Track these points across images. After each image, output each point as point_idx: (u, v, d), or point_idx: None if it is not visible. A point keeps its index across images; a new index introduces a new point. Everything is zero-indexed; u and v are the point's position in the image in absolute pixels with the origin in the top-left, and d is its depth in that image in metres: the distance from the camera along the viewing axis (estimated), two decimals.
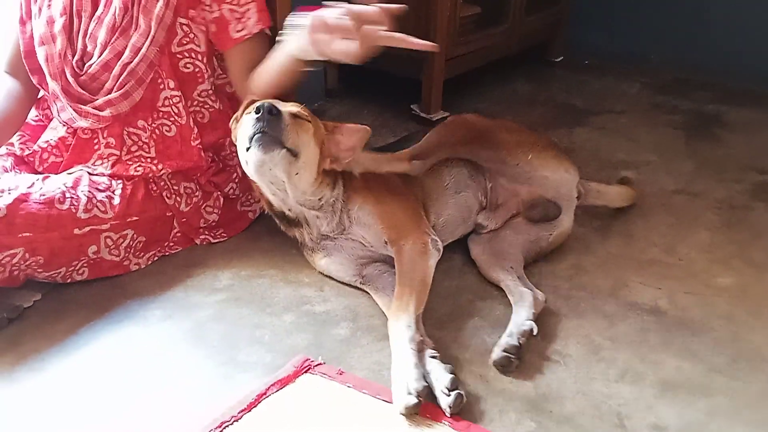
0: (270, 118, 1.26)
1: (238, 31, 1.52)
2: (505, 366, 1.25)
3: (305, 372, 1.24)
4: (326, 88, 2.61)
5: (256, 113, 1.27)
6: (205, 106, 1.61)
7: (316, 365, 1.25)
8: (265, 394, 1.18)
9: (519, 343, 1.27)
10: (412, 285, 1.34)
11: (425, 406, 1.15)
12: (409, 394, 1.13)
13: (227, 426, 1.12)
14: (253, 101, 1.37)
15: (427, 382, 1.17)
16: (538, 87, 2.82)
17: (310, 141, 1.36)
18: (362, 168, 1.45)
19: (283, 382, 1.21)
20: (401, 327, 1.26)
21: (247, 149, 1.31)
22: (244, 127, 1.32)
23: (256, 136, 1.27)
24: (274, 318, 1.41)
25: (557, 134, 2.33)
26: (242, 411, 1.14)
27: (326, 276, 1.54)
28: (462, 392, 1.15)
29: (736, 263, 1.62)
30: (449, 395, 1.14)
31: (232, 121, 1.46)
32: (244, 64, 1.54)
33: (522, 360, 1.27)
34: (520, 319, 1.34)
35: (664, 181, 2.00)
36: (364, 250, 1.49)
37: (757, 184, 2.00)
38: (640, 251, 1.67)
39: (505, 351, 1.25)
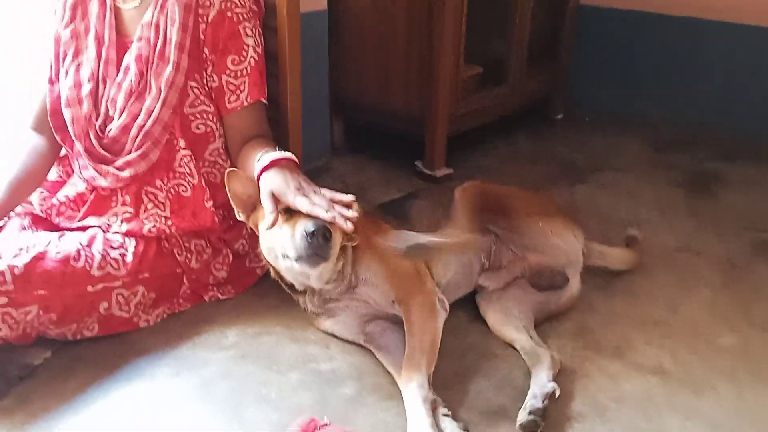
0: (323, 241, 1.28)
1: (231, 102, 1.59)
2: (532, 429, 1.26)
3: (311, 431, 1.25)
4: (332, 144, 2.68)
5: (309, 236, 1.27)
6: (216, 166, 1.66)
7: (322, 425, 1.26)
8: None
9: (543, 405, 1.28)
10: (422, 345, 1.36)
11: None
12: None
13: None
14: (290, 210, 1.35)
15: None
16: (539, 144, 2.88)
17: (339, 238, 1.37)
18: (419, 260, 1.48)
19: None
20: (414, 387, 1.28)
21: (285, 257, 1.33)
22: (287, 239, 1.32)
23: (306, 257, 1.29)
24: (280, 376, 1.43)
25: (558, 191, 2.38)
26: None
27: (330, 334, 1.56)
28: None
29: (738, 322, 1.64)
30: None
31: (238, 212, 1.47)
32: (237, 131, 1.61)
33: (546, 422, 1.27)
34: (542, 380, 1.35)
35: (666, 238, 2.03)
36: (369, 308, 1.51)
37: (757, 243, 2.03)
38: (643, 310, 1.69)
39: (531, 413, 1.26)
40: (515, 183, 2.42)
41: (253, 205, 1.45)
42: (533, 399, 1.30)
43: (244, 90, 1.58)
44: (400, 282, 1.47)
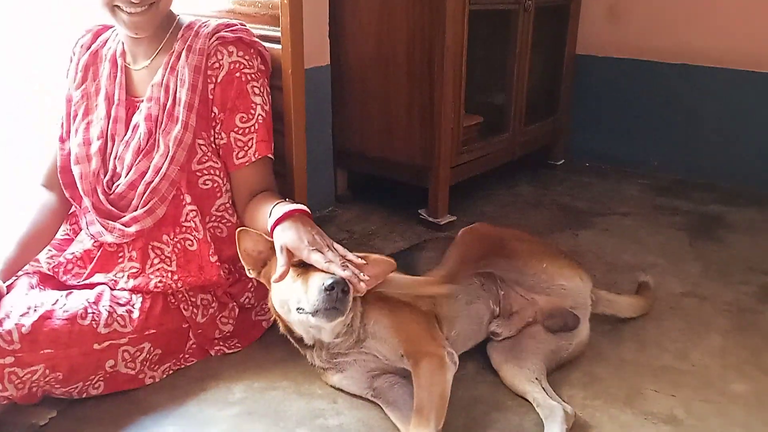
0: (341, 295, 1.29)
1: (239, 158, 1.61)
2: None
3: None
4: (336, 194, 2.70)
5: (328, 289, 1.27)
6: (223, 221, 1.67)
7: None
8: None
9: None
10: (431, 399, 1.34)
11: None
12: None
13: None
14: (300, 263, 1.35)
15: None
16: (541, 189, 2.91)
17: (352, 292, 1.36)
18: (399, 290, 1.47)
19: None
20: None
21: (300, 310, 1.33)
22: (302, 293, 1.32)
23: (324, 310, 1.29)
24: None
25: (563, 236, 2.39)
26: None
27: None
28: None
29: (750, 369, 1.62)
30: None
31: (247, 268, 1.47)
32: (244, 186, 1.63)
33: None
34: None
35: (672, 284, 2.03)
36: (377, 362, 1.50)
37: (765, 286, 2.02)
38: (653, 357, 1.67)
39: None
40: (519, 229, 2.45)
41: (263, 260, 1.45)
42: None
43: (252, 146, 1.61)
44: (408, 335, 1.46)
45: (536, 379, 1.50)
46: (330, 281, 1.27)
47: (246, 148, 1.61)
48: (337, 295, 1.27)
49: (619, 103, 3.12)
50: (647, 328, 1.79)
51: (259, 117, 1.61)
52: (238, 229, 1.45)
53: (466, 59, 2.39)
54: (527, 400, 1.48)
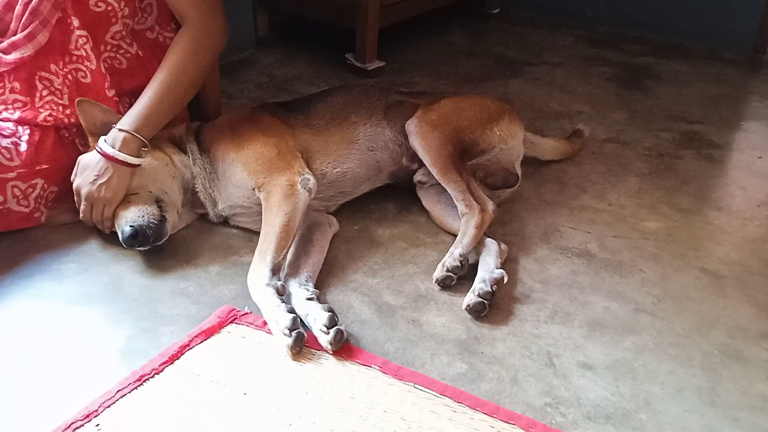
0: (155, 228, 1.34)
1: None
2: (479, 311, 1.25)
3: (231, 322, 1.19)
4: (257, 36, 2.50)
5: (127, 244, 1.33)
6: (120, 51, 1.50)
7: (242, 315, 1.21)
8: (188, 345, 1.13)
9: (492, 289, 1.27)
10: (274, 231, 1.30)
11: (356, 350, 1.13)
12: (284, 334, 1.13)
13: (148, 379, 1.07)
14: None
15: (295, 314, 1.16)
16: (474, 38, 2.79)
17: (161, 165, 1.41)
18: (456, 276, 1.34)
19: (208, 333, 1.16)
20: (257, 277, 1.24)
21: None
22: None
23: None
24: (199, 269, 1.36)
25: (493, 85, 2.32)
26: (164, 363, 1.09)
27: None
28: (342, 328, 1.15)
29: (663, 208, 1.66)
30: (328, 333, 1.13)
31: None
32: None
33: (493, 307, 1.27)
34: (490, 267, 1.33)
35: (596, 130, 2.01)
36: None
37: (685, 134, 2.04)
38: (571, 198, 1.68)
39: (480, 296, 1.25)
40: (449, 77, 2.37)
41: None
42: (482, 283, 1.28)
43: None
44: (257, 165, 1.38)
45: None
46: (128, 233, 1.31)
47: None
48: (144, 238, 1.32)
49: None
50: (568, 171, 1.79)
51: None
52: (78, 99, 1.35)
53: None
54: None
